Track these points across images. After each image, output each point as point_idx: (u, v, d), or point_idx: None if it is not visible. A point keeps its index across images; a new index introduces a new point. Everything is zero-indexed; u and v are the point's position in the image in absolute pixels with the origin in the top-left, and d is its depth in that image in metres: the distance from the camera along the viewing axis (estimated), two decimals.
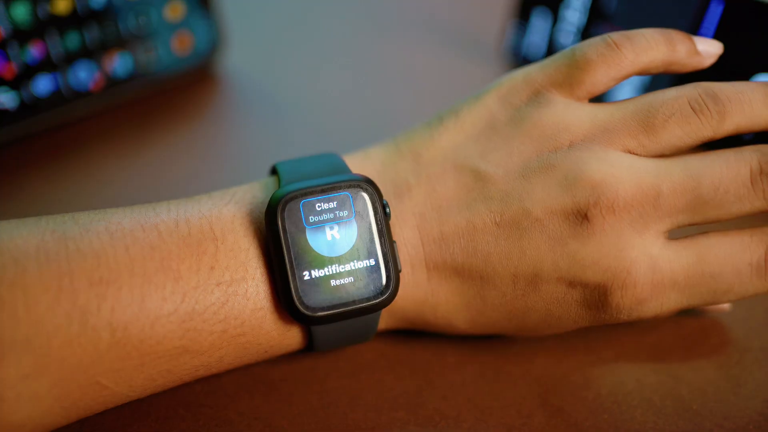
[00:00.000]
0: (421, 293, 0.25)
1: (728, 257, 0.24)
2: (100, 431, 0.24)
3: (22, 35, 0.34)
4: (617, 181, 0.23)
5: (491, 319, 0.25)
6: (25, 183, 0.35)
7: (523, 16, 0.43)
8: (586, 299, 0.24)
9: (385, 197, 0.25)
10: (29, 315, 0.20)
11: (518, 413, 0.25)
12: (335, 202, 0.23)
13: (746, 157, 0.24)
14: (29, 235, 0.21)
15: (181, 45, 0.40)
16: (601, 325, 0.25)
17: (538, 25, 0.42)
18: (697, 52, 0.26)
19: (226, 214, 0.23)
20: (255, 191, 0.25)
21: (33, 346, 0.20)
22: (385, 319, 0.26)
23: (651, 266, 0.23)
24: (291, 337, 0.24)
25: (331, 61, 0.45)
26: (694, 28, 0.36)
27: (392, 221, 0.25)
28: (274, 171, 0.26)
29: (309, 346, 0.25)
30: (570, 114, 0.25)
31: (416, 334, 0.28)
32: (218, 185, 0.27)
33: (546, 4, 0.42)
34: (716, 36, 0.36)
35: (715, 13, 0.35)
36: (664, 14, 0.37)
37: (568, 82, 0.26)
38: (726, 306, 0.28)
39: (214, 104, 0.41)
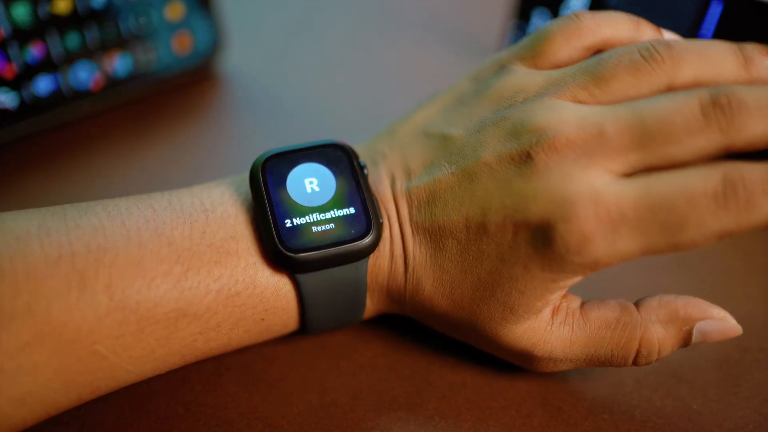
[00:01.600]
0: (397, 249, 0.25)
1: (679, 186, 0.21)
2: (100, 431, 0.24)
3: (22, 35, 0.34)
4: (561, 122, 0.23)
5: (451, 274, 0.25)
6: (25, 183, 0.35)
7: (523, 16, 0.43)
8: (533, 237, 0.23)
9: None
10: (29, 282, 0.21)
11: (518, 413, 0.25)
12: (314, 161, 0.25)
13: (695, 92, 0.22)
14: (31, 217, 0.22)
15: (181, 45, 0.40)
16: (557, 275, 0.23)
17: (538, 25, 0.42)
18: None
19: (215, 192, 0.25)
20: (244, 175, 0.26)
21: (33, 314, 0.20)
22: (369, 291, 0.26)
23: (594, 198, 0.22)
24: (283, 297, 0.24)
25: (332, 61, 0.45)
26: (694, 28, 0.36)
27: (370, 181, 0.26)
28: None
29: (303, 321, 0.25)
30: (528, 78, 0.26)
31: (416, 333, 0.28)
32: None
33: (546, 4, 0.42)
34: (716, 36, 0.36)
35: (714, 13, 0.35)
36: (663, 14, 0.37)
37: (530, 54, 0.27)
38: (735, 327, 0.25)
39: (214, 104, 0.41)
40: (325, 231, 0.24)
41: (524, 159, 0.23)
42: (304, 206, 0.24)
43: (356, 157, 0.26)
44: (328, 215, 0.24)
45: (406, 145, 0.27)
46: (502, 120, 0.25)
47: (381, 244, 0.25)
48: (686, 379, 0.27)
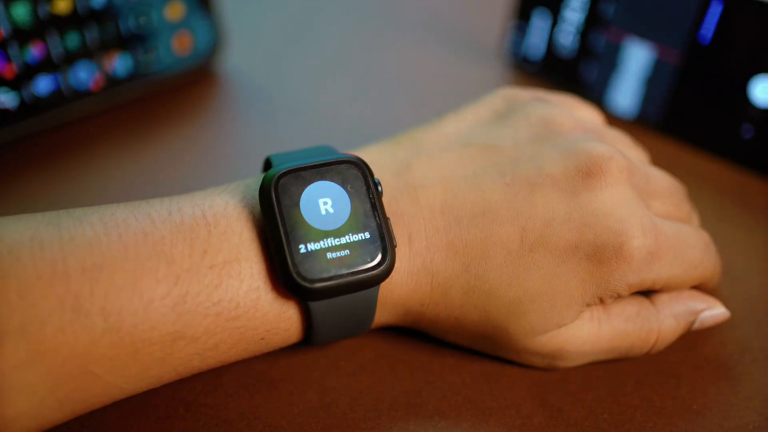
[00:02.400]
0: (419, 262, 0.24)
1: (698, 232, 0.27)
2: (100, 431, 0.24)
3: (22, 35, 0.34)
4: (621, 154, 0.25)
5: (491, 284, 0.24)
6: (25, 183, 0.35)
7: (523, 16, 0.43)
8: (597, 252, 0.24)
9: (382, 177, 0.25)
10: (22, 302, 0.20)
11: (518, 413, 0.25)
12: (327, 179, 0.24)
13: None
14: (24, 227, 0.21)
15: (181, 45, 0.40)
16: (607, 292, 0.24)
17: (538, 26, 0.42)
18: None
19: (218, 201, 0.24)
20: (248, 182, 0.25)
21: (26, 334, 0.20)
22: (382, 305, 0.25)
23: (653, 223, 0.24)
24: (287, 320, 0.23)
25: (331, 61, 0.45)
26: (694, 28, 0.36)
27: (389, 196, 0.25)
28: (267, 165, 0.26)
29: (307, 337, 0.24)
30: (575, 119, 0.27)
31: (416, 334, 0.28)
32: (217, 185, 0.27)
33: (546, 4, 0.42)
34: (716, 36, 0.36)
35: (715, 13, 0.35)
36: (663, 14, 0.37)
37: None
38: (725, 313, 0.27)
39: (214, 104, 0.41)
40: (340, 258, 0.23)
41: (594, 173, 0.24)
42: (319, 230, 0.23)
43: (371, 174, 0.24)
44: (342, 240, 0.23)
45: (436, 155, 0.26)
46: (560, 134, 0.25)
47: (399, 264, 0.24)
48: (686, 379, 0.27)
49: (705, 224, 0.33)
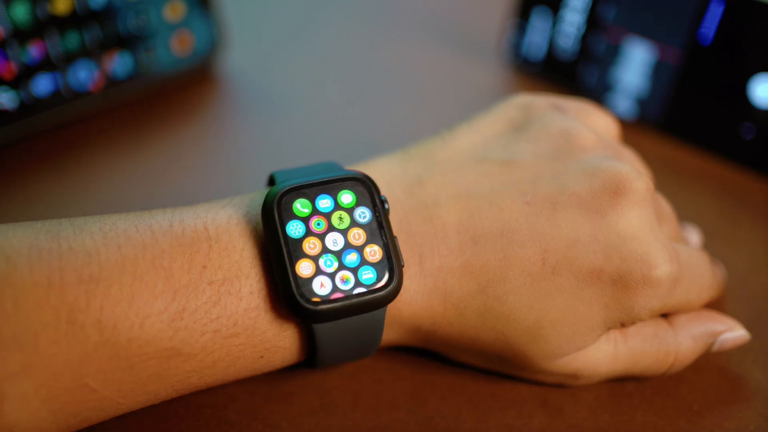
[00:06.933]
0: (431, 282, 0.24)
1: (703, 257, 0.27)
2: (99, 430, 0.24)
3: (21, 35, 0.34)
4: (642, 175, 0.24)
5: (508, 308, 0.23)
6: (24, 183, 0.35)
7: (523, 15, 0.43)
8: (623, 277, 0.23)
9: (392, 194, 0.25)
10: (17, 311, 0.20)
11: (518, 414, 0.25)
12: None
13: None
14: (24, 235, 0.21)
15: (181, 45, 0.40)
16: (630, 317, 0.24)
17: (538, 25, 0.42)
18: None
19: (222, 215, 0.23)
20: (253, 196, 0.24)
21: (20, 344, 0.20)
22: (389, 324, 0.24)
23: (674, 248, 0.24)
24: (287, 338, 0.23)
25: (331, 61, 0.45)
26: (694, 28, 0.36)
27: (400, 214, 0.24)
28: (271, 181, 0.25)
29: (310, 360, 0.24)
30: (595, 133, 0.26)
31: None
32: (217, 186, 0.27)
33: (546, 3, 0.42)
34: (716, 36, 0.36)
35: (716, 13, 0.35)
36: (664, 14, 0.37)
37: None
38: (745, 336, 0.26)
39: (214, 104, 0.41)
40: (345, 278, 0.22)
41: (622, 192, 0.23)
42: None
43: (378, 191, 0.23)
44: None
45: (451, 171, 0.25)
46: (582, 153, 0.25)
47: (409, 285, 0.23)
48: (687, 379, 0.27)
49: (705, 224, 0.33)
